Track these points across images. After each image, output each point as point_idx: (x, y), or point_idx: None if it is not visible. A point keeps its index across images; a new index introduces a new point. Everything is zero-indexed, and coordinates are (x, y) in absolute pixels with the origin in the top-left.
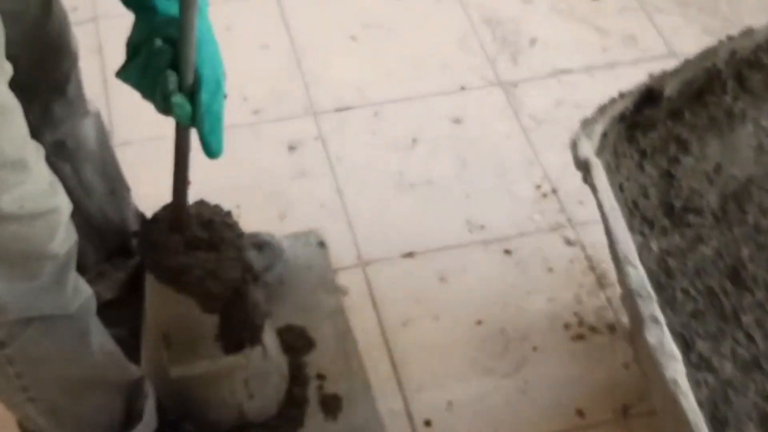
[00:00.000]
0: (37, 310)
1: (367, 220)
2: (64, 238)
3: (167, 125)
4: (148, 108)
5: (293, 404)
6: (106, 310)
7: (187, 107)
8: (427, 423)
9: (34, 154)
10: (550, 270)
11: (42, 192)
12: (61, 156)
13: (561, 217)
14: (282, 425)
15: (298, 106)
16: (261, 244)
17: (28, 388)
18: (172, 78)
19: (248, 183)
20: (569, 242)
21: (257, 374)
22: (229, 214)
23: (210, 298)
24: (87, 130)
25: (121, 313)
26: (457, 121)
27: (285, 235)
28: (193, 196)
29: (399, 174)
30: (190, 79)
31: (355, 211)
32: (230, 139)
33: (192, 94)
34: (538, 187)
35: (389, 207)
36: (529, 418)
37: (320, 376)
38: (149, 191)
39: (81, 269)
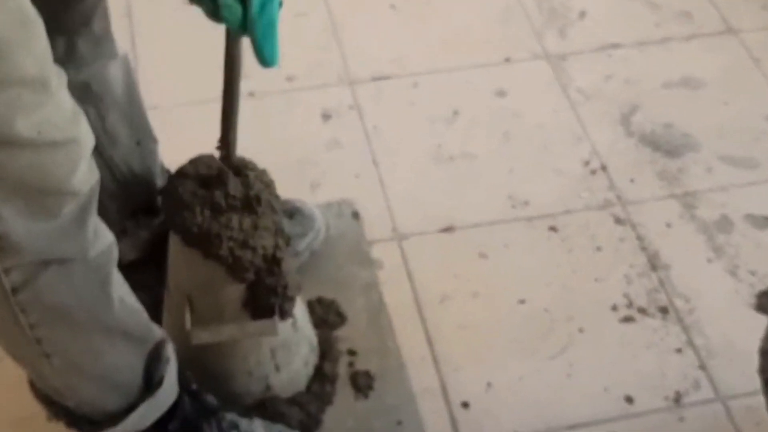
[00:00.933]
0: (55, 252)
1: (403, 192)
2: (86, 175)
3: (197, 90)
4: (177, 73)
5: (323, 380)
6: (126, 273)
7: (238, 10)
8: (465, 405)
9: (57, 76)
10: (598, 249)
11: (64, 119)
12: (85, 99)
13: (610, 195)
14: (310, 401)
15: (334, 74)
16: (292, 211)
17: (41, 341)
18: None
19: (280, 151)
20: (619, 221)
21: (285, 345)
22: (265, 172)
23: (240, 268)
24: (114, 73)
25: (144, 276)
26: (500, 94)
27: (317, 204)
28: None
29: (437, 147)
30: None
31: (391, 183)
32: (263, 106)
33: None
34: (587, 163)
35: (427, 180)
36: (573, 403)
37: (351, 352)
38: (177, 159)
39: None
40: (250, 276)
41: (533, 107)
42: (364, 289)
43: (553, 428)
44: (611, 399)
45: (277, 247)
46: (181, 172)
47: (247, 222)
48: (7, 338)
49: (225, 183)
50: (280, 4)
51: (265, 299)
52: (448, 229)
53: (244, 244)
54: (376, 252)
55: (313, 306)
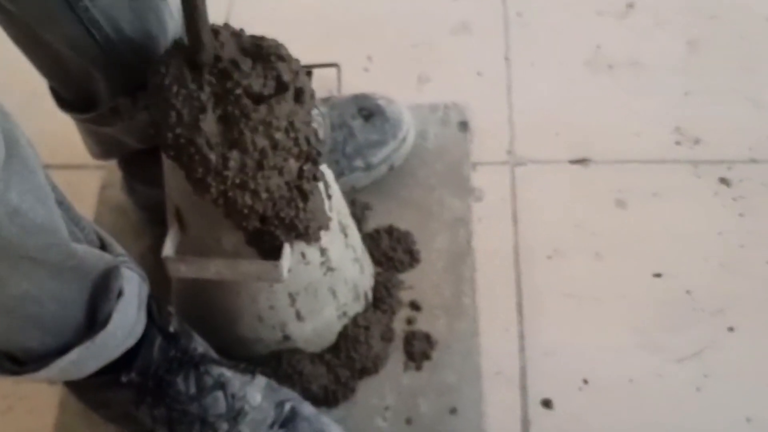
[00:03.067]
0: None
1: (534, 103)
2: None
3: None
4: None
5: (368, 337)
6: (138, 163)
7: None
8: (546, 403)
9: None
10: None
11: None
12: None
13: None
14: (343, 363)
15: None
16: (371, 110)
17: None
18: None
19: (391, 30)
20: None
21: (310, 290)
22: (282, 46)
23: (236, 214)
24: None
25: (160, 168)
26: None
27: (417, 104)
28: (315, 40)
29: (596, 48)
30: None
31: (521, 89)
32: None
33: None
34: None
35: (571, 91)
36: (696, 429)
37: (414, 306)
38: None
39: (89, 101)
40: (253, 224)
41: (736, 10)
42: (451, 225)
43: None
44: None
45: (301, 175)
46: (178, 46)
47: (260, 142)
48: None
49: (229, 72)
50: None
51: (274, 239)
52: (581, 161)
53: (244, 186)
54: (479, 178)
55: (379, 236)
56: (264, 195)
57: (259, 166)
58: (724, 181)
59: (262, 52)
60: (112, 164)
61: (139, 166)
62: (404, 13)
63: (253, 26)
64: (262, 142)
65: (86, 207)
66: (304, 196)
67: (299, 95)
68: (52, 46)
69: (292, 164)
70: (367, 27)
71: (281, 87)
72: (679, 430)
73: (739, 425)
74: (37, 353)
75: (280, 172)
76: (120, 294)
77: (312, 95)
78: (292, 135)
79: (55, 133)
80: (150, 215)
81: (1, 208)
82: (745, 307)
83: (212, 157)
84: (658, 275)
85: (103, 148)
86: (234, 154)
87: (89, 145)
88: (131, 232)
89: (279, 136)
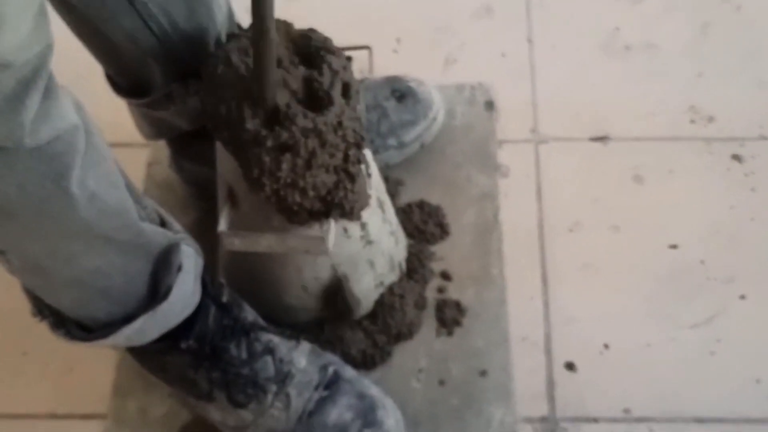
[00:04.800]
0: None
1: (556, 83)
2: (20, 41)
3: None
4: None
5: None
6: (187, 142)
7: None
8: (570, 366)
9: None
10: None
11: None
12: None
13: None
14: (380, 329)
15: None
16: (404, 92)
17: None
18: None
19: (415, 13)
20: None
21: (351, 261)
22: (329, 39)
23: (291, 213)
24: None
25: (208, 146)
26: None
27: (445, 85)
28: (341, 22)
29: (614, 30)
30: None
31: (543, 70)
32: None
33: None
34: None
35: (590, 71)
36: (709, 390)
37: (445, 276)
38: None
39: (144, 87)
40: (303, 219)
41: None
42: (479, 200)
43: (674, 416)
44: (762, 394)
45: (348, 167)
46: (234, 38)
47: (311, 143)
48: None
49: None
50: None
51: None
52: (601, 139)
53: (295, 185)
54: (505, 155)
55: (411, 210)
56: (311, 193)
57: (308, 165)
58: (736, 157)
59: (311, 47)
60: (158, 142)
61: (187, 145)
62: None
63: (287, 10)
64: (313, 143)
65: (134, 183)
66: (351, 177)
67: (347, 90)
68: (110, 38)
69: (339, 154)
70: (395, 10)
71: (328, 101)
72: (695, 391)
73: (749, 386)
74: (104, 322)
75: (327, 169)
76: (180, 268)
77: (358, 90)
78: (340, 133)
79: (100, 115)
80: (196, 190)
81: (82, 192)
82: (756, 276)
83: (266, 159)
84: (673, 246)
85: (155, 129)
86: (287, 156)
87: (142, 126)
88: (178, 207)
89: (329, 136)
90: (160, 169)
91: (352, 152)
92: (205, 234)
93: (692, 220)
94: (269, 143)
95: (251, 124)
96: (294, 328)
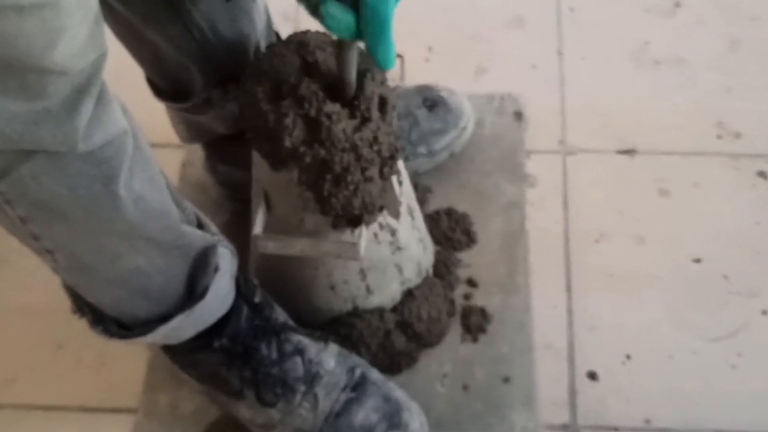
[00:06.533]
0: (37, 142)
1: (584, 95)
2: (77, 48)
3: None
4: None
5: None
6: (223, 145)
7: (346, 18)
8: (592, 375)
9: None
10: None
11: None
12: None
13: None
14: (409, 338)
15: None
16: (435, 101)
17: (39, 238)
18: None
19: (447, 22)
20: None
21: (380, 267)
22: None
23: (329, 207)
24: None
25: (242, 149)
26: None
27: (475, 94)
28: None
29: (644, 44)
30: None
31: (572, 81)
32: None
33: None
34: None
35: (618, 84)
36: (729, 403)
37: (471, 283)
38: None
39: (184, 92)
40: (342, 224)
41: None
42: (506, 208)
43: (695, 428)
44: None
45: (383, 170)
46: (272, 51)
47: (348, 157)
48: (7, 228)
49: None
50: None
51: (356, 222)
52: (628, 152)
53: (337, 181)
54: (533, 165)
55: (439, 217)
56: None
57: (341, 179)
58: (762, 174)
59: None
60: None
61: (222, 149)
62: (462, 6)
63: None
64: (348, 158)
65: None
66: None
67: (383, 105)
68: (153, 43)
69: (374, 168)
70: (427, 19)
71: (367, 116)
72: (716, 404)
73: None
74: (142, 320)
75: (365, 179)
76: (216, 269)
77: (394, 105)
78: (375, 148)
79: (137, 115)
80: (229, 192)
81: (129, 195)
82: None
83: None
84: (697, 260)
85: (192, 133)
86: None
87: (179, 130)
88: (210, 208)
89: (364, 151)
90: (194, 171)
91: (386, 167)
92: (236, 235)
93: (716, 234)
94: (307, 159)
95: (289, 141)
96: (323, 330)
